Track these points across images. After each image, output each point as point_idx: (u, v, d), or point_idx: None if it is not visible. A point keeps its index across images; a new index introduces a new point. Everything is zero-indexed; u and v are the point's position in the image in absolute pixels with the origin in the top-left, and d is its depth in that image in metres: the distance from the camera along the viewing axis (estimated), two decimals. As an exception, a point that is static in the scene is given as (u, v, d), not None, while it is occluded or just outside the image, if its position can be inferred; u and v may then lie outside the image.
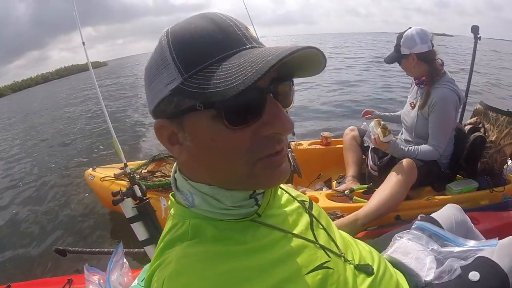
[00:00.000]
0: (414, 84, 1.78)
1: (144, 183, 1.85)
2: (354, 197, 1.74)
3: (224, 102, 0.37)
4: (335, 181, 2.20)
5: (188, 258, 0.41)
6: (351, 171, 2.03)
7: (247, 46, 0.40)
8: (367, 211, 1.49)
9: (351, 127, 2.18)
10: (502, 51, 18.64)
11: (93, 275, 1.26)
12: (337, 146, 2.37)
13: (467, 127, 1.79)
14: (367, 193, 1.76)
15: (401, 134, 1.96)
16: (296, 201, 0.60)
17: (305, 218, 0.57)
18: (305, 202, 0.61)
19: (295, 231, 0.52)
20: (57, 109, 10.89)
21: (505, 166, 1.79)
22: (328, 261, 0.51)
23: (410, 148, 1.67)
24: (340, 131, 3.19)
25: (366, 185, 1.81)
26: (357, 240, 0.70)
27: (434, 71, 1.63)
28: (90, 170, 2.41)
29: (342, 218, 1.49)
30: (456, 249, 0.82)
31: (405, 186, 1.56)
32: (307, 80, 7.60)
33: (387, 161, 1.80)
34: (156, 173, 2.24)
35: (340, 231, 0.66)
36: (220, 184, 0.45)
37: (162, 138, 0.44)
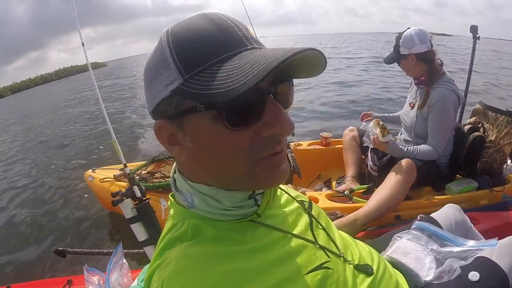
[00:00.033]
0: (414, 84, 1.79)
1: (144, 184, 1.85)
2: (354, 198, 1.73)
3: (225, 103, 0.37)
4: (335, 182, 2.20)
5: (188, 258, 0.41)
6: (350, 171, 2.03)
7: (248, 47, 0.40)
8: (366, 211, 1.49)
9: (350, 127, 2.18)
10: (502, 51, 18.67)
11: (93, 276, 1.26)
12: (337, 146, 2.37)
13: (467, 127, 1.79)
14: (367, 193, 1.75)
15: (401, 134, 1.96)
16: (295, 201, 0.60)
17: (305, 218, 0.57)
18: (305, 203, 0.61)
19: (295, 231, 0.52)
20: (56, 110, 10.89)
21: (504, 166, 1.79)
22: (328, 261, 0.51)
23: (409, 148, 1.67)
24: (339, 132, 3.20)
25: (366, 185, 1.81)
26: (356, 240, 0.70)
27: (433, 71, 1.63)
28: (89, 172, 2.40)
29: (342, 218, 1.49)
30: (456, 249, 0.82)
31: (405, 186, 1.56)
32: (306, 80, 7.61)
33: (386, 161, 1.80)
34: (156, 174, 2.24)
35: (340, 231, 0.66)
36: (219, 184, 0.45)
37: (161, 138, 0.44)
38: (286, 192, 0.61)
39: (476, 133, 1.72)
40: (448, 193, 1.71)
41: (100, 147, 5.18)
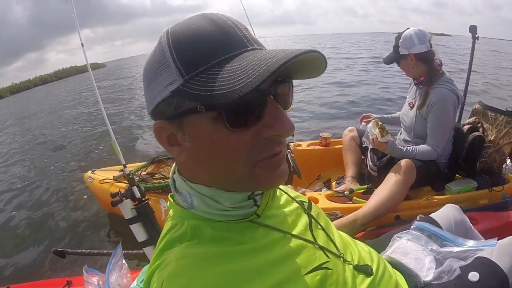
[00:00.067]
0: (413, 84, 1.79)
1: (143, 185, 1.85)
2: (354, 198, 1.73)
3: (225, 104, 0.36)
4: (335, 182, 2.20)
5: (187, 259, 0.41)
6: (350, 171, 2.03)
7: (249, 48, 0.40)
8: (366, 211, 1.49)
9: (350, 128, 2.18)
10: (501, 51, 18.70)
11: (92, 277, 1.26)
12: (336, 146, 2.38)
13: (466, 127, 1.80)
14: (367, 194, 1.75)
15: (400, 134, 1.96)
16: (295, 201, 0.60)
17: (304, 219, 0.57)
18: (304, 203, 0.61)
19: (294, 232, 0.52)
20: (56, 111, 10.86)
21: (504, 166, 1.79)
22: (327, 261, 0.51)
23: (408, 148, 1.67)
24: (339, 132, 3.20)
25: (365, 186, 1.81)
26: (356, 240, 0.70)
27: (433, 71, 1.63)
28: (89, 173, 2.39)
29: (341, 218, 1.49)
30: (456, 249, 0.82)
31: (404, 186, 1.56)
32: (306, 81, 7.57)
33: (386, 161, 1.80)
34: (156, 175, 2.23)
35: (339, 232, 0.66)
36: (219, 185, 0.45)
37: (161, 139, 0.44)
38: (285, 193, 0.61)
39: (476, 133, 1.73)
40: (448, 193, 1.71)
41: (100, 146, 5.18)
